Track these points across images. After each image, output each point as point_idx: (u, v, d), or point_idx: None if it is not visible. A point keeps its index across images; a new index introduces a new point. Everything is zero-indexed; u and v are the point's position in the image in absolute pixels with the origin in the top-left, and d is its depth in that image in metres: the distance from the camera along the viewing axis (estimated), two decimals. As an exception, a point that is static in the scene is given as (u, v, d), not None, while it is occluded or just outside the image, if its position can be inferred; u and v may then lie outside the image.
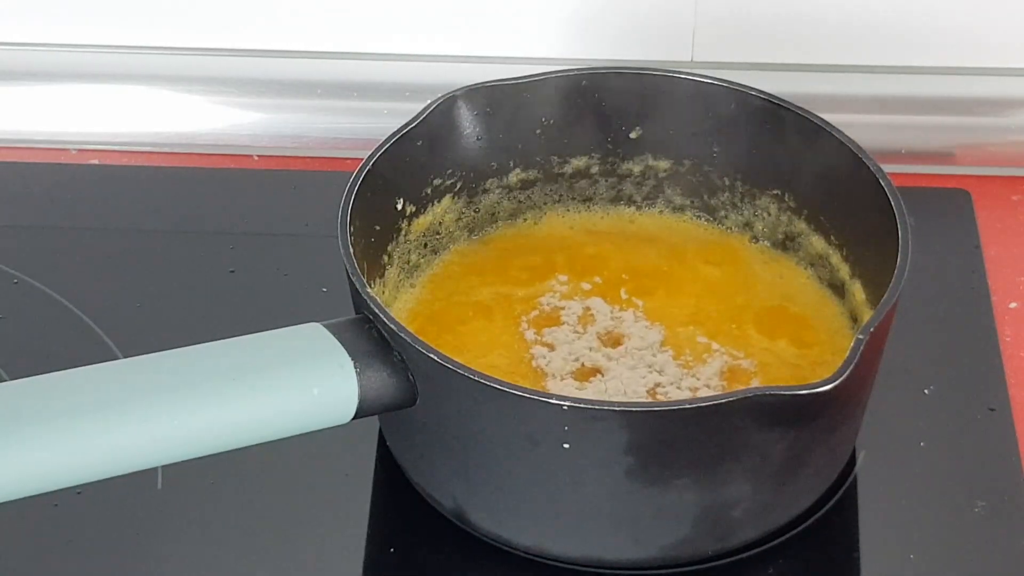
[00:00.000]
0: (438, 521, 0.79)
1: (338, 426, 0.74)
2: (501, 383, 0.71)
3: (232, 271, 0.94)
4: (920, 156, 1.00)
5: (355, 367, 0.73)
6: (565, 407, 0.70)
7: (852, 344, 0.71)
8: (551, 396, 0.71)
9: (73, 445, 0.69)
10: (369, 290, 0.75)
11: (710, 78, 0.86)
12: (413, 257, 0.86)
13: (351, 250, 0.77)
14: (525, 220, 0.90)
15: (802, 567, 0.79)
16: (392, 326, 0.73)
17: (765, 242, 0.87)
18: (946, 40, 1.02)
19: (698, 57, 1.03)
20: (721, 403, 0.70)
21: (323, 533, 0.80)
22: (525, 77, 0.86)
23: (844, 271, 0.84)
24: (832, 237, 0.84)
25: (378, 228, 0.83)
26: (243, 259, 0.95)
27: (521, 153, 0.88)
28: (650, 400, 0.79)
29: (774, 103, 0.85)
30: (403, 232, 0.85)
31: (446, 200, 0.87)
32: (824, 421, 0.74)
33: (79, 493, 0.76)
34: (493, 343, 0.82)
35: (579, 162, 0.89)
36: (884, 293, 0.75)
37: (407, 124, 0.83)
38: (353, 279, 0.76)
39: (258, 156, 1.03)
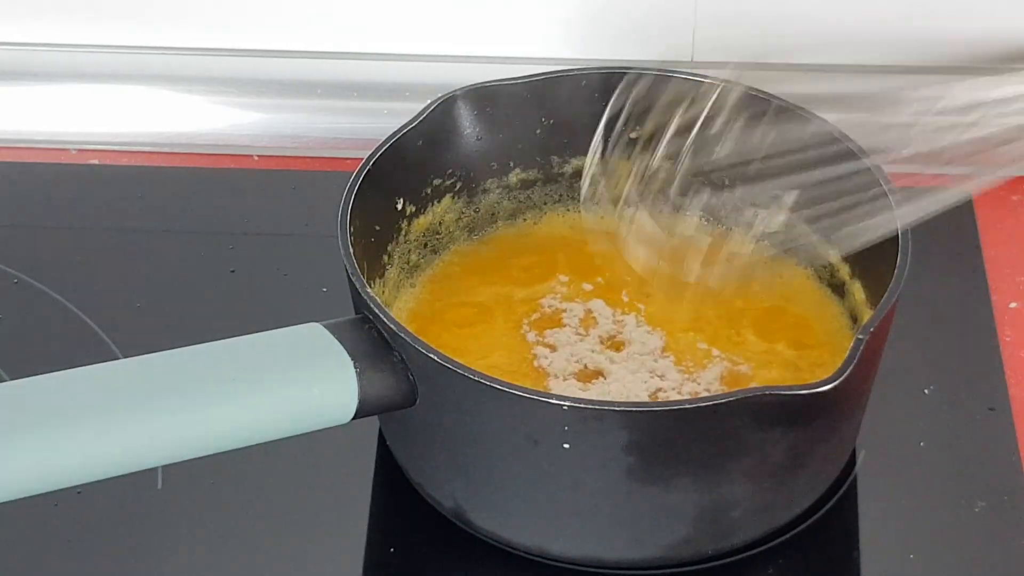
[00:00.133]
0: (438, 521, 0.79)
1: (338, 426, 0.74)
2: (501, 383, 0.71)
3: (232, 271, 0.94)
4: (920, 156, 1.00)
5: (355, 367, 0.72)
6: (565, 407, 0.70)
7: (852, 344, 0.71)
8: (551, 396, 0.71)
9: (73, 445, 0.68)
10: (369, 290, 0.75)
11: (710, 78, 0.86)
12: (413, 257, 0.86)
13: (351, 250, 0.77)
14: (525, 220, 0.90)
15: (802, 567, 0.79)
16: (392, 326, 0.73)
17: (765, 242, 0.87)
18: (945, 40, 1.02)
19: (698, 57, 1.03)
20: (721, 403, 0.70)
21: (323, 533, 0.80)
22: (525, 77, 0.86)
23: (844, 271, 0.84)
24: (832, 237, 0.84)
25: (378, 228, 0.83)
26: (243, 259, 0.95)
27: (521, 153, 0.88)
28: (650, 400, 0.79)
29: (774, 103, 0.85)
30: (403, 232, 0.85)
31: (446, 200, 0.87)
32: (824, 421, 0.74)
33: (79, 493, 0.76)
34: (494, 344, 0.82)
35: (579, 162, 0.89)
36: (884, 293, 0.75)
37: (407, 124, 0.83)
38: (353, 279, 0.76)
39: (258, 156, 1.03)
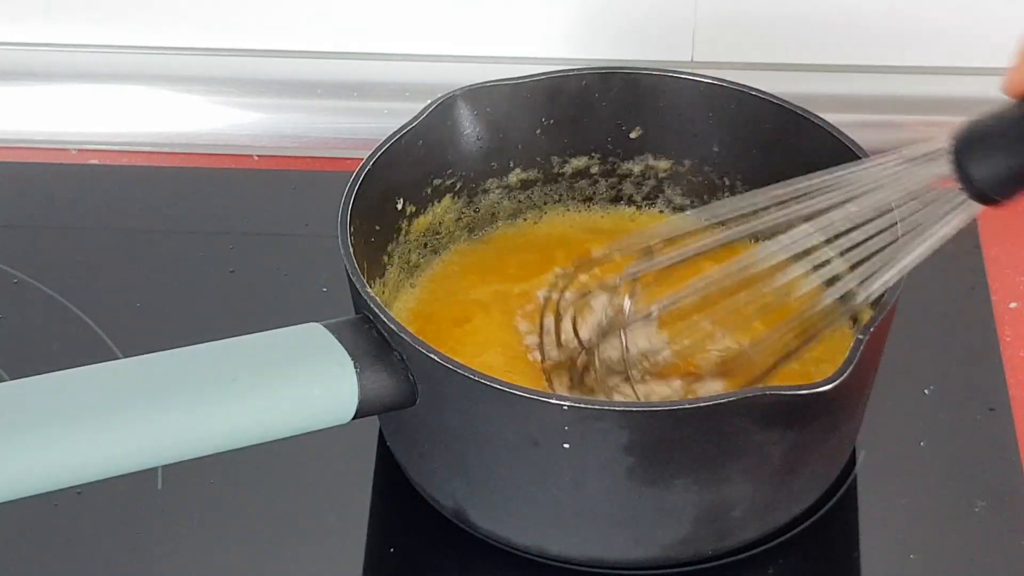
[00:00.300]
0: (438, 521, 0.79)
1: (338, 426, 0.73)
2: (501, 383, 0.71)
3: (232, 271, 0.94)
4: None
5: (355, 367, 0.72)
6: (565, 407, 0.70)
7: (852, 344, 0.71)
8: (551, 396, 0.71)
9: (73, 445, 0.68)
10: (369, 290, 0.75)
11: (710, 78, 0.86)
12: (413, 257, 0.86)
13: (351, 250, 0.77)
14: (525, 220, 0.90)
15: (802, 567, 0.79)
16: (392, 326, 0.73)
17: (766, 242, 0.87)
18: (946, 40, 1.02)
19: (698, 57, 1.03)
20: (721, 403, 0.70)
21: (323, 533, 0.80)
22: (525, 77, 0.86)
23: (844, 271, 0.84)
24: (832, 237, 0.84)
25: (378, 228, 0.83)
26: (243, 259, 0.95)
27: (521, 153, 0.88)
28: (649, 401, 0.79)
29: (774, 103, 0.85)
30: (403, 232, 0.85)
31: (446, 200, 0.87)
32: (824, 421, 0.74)
33: (79, 493, 0.76)
34: (490, 341, 0.82)
35: (579, 162, 0.89)
36: (884, 293, 0.75)
37: (407, 124, 0.83)
38: (353, 279, 0.76)
39: (258, 156, 1.03)
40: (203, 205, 0.99)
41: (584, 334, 0.80)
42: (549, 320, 0.80)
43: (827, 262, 0.76)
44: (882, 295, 0.73)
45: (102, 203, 0.99)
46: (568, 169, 0.89)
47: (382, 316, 0.73)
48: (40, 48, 1.07)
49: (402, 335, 0.73)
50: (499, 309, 0.84)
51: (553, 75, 0.87)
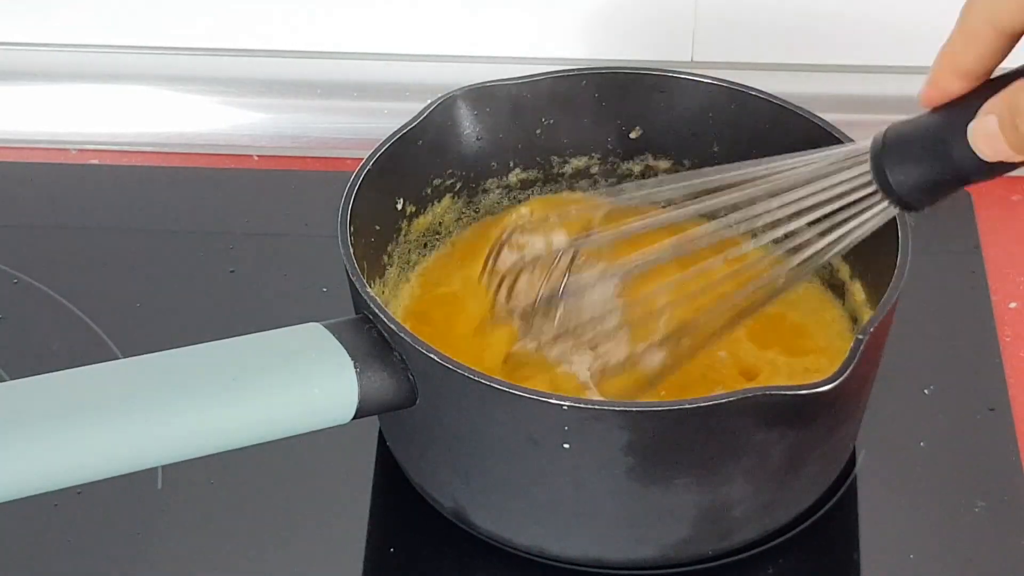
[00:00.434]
0: (438, 521, 0.79)
1: (338, 426, 0.74)
2: (501, 383, 0.71)
3: (232, 271, 0.94)
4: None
5: (355, 367, 0.72)
6: (565, 407, 0.70)
7: (852, 344, 0.71)
8: (551, 396, 0.71)
9: (73, 445, 0.68)
10: (369, 290, 0.75)
11: (710, 78, 0.86)
12: (413, 257, 0.86)
13: (351, 250, 0.77)
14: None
15: (802, 567, 0.79)
16: (392, 326, 0.73)
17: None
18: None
19: (698, 57, 1.03)
20: (721, 403, 0.70)
21: (323, 533, 0.80)
22: (525, 77, 0.86)
23: (844, 271, 0.84)
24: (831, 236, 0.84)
25: (378, 228, 0.83)
26: (243, 259, 0.95)
27: (521, 153, 0.88)
28: (647, 401, 0.79)
29: (774, 103, 0.85)
30: (403, 232, 0.85)
31: (446, 200, 0.87)
32: (824, 421, 0.74)
33: (79, 493, 0.76)
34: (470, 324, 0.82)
35: (579, 162, 0.89)
36: (884, 293, 0.75)
37: (407, 124, 0.83)
38: (353, 279, 0.76)
39: (258, 156, 1.04)
40: (203, 205, 0.99)
41: (531, 292, 0.79)
42: (502, 268, 0.80)
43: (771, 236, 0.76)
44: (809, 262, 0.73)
45: (102, 203, 0.99)
46: (568, 169, 0.89)
47: (382, 316, 0.73)
48: (40, 48, 1.07)
49: (402, 335, 0.73)
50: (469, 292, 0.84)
51: (553, 75, 0.87)
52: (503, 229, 0.82)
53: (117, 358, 0.86)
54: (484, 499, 0.77)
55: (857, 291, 0.83)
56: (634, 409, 0.71)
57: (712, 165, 0.88)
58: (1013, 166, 0.67)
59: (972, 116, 0.65)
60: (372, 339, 0.74)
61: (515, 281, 0.79)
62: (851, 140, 0.82)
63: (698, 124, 0.87)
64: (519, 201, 0.89)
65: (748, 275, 0.75)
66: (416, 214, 0.86)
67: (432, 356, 0.72)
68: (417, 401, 0.74)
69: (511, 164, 0.88)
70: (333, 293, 0.87)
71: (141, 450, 0.70)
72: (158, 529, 0.80)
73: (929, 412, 0.85)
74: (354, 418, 0.73)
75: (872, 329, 0.72)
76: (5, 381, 0.73)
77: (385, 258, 0.84)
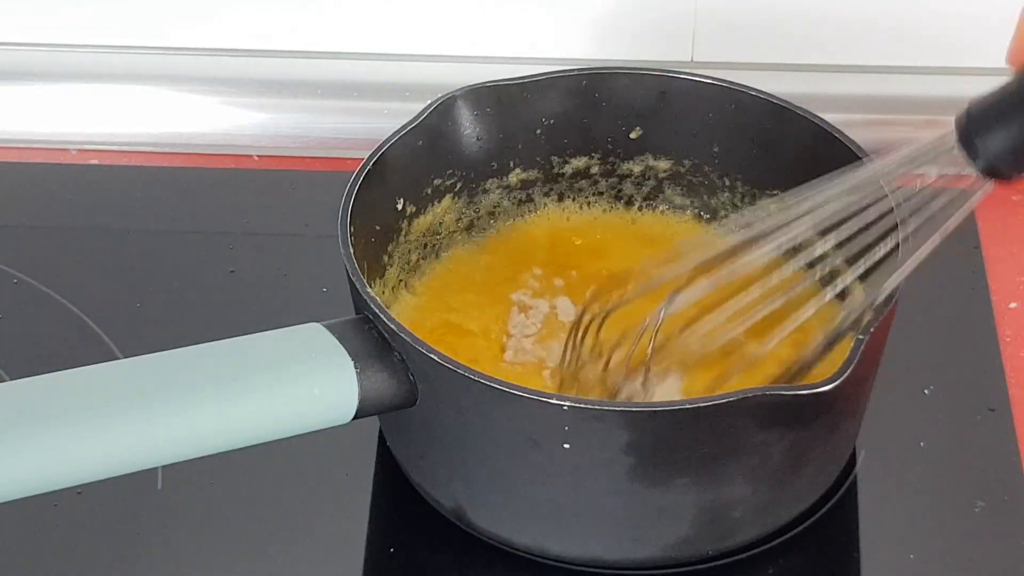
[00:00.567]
0: (438, 521, 0.79)
1: (338, 426, 0.73)
2: (501, 383, 0.71)
3: (232, 271, 0.94)
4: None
5: (355, 367, 0.72)
6: (565, 407, 0.70)
7: (852, 344, 0.71)
8: (551, 396, 0.71)
9: (73, 445, 0.68)
10: (369, 290, 0.75)
11: (710, 78, 0.86)
12: (413, 257, 0.86)
13: (351, 250, 0.77)
14: (524, 219, 0.90)
15: (802, 567, 0.79)
16: (392, 326, 0.73)
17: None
18: (945, 40, 1.02)
19: (698, 57, 1.03)
20: (721, 403, 0.70)
21: (323, 533, 0.80)
22: (525, 77, 0.86)
23: (844, 271, 0.84)
24: (843, 252, 0.84)
25: (378, 228, 0.83)
26: (243, 259, 0.95)
27: (521, 153, 0.88)
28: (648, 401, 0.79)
29: (774, 103, 0.85)
30: (403, 232, 0.85)
31: (446, 200, 0.87)
32: (824, 421, 0.74)
33: (79, 493, 0.76)
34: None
35: (579, 162, 0.89)
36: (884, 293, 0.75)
37: (407, 124, 0.83)
38: (353, 279, 0.76)
39: (258, 156, 1.03)
40: (203, 205, 0.99)
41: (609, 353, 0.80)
42: (581, 338, 0.80)
43: (838, 275, 0.76)
44: (890, 295, 0.73)
45: (102, 203, 0.99)
46: (568, 169, 0.89)
47: (382, 316, 0.73)
48: (40, 48, 1.06)
49: (402, 335, 0.73)
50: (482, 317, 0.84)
51: (553, 75, 0.87)
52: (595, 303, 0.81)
53: (117, 358, 0.86)
54: (484, 499, 0.77)
55: (857, 291, 0.83)
56: (634, 409, 0.71)
57: (712, 165, 0.88)
58: None
59: None
60: (372, 339, 0.74)
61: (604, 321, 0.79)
62: (851, 140, 0.82)
63: (698, 124, 0.87)
64: (519, 201, 0.89)
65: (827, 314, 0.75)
66: (416, 214, 0.86)
67: (432, 356, 0.72)
68: (417, 401, 0.74)
69: (511, 164, 0.88)
70: (333, 293, 0.87)
71: (141, 450, 0.70)
72: (158, 529, 0.80)
73: (929, 412, 0.85)
74: (354, 418, 0.73)
75: (872, 329, 0.72)
76: (5, 381, 0.73)
77: (385, 258, 0.84)
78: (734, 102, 0.86)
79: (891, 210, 0.74)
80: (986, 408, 0.85)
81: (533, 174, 0.89)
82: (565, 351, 0.80)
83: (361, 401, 0.73)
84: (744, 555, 0.78)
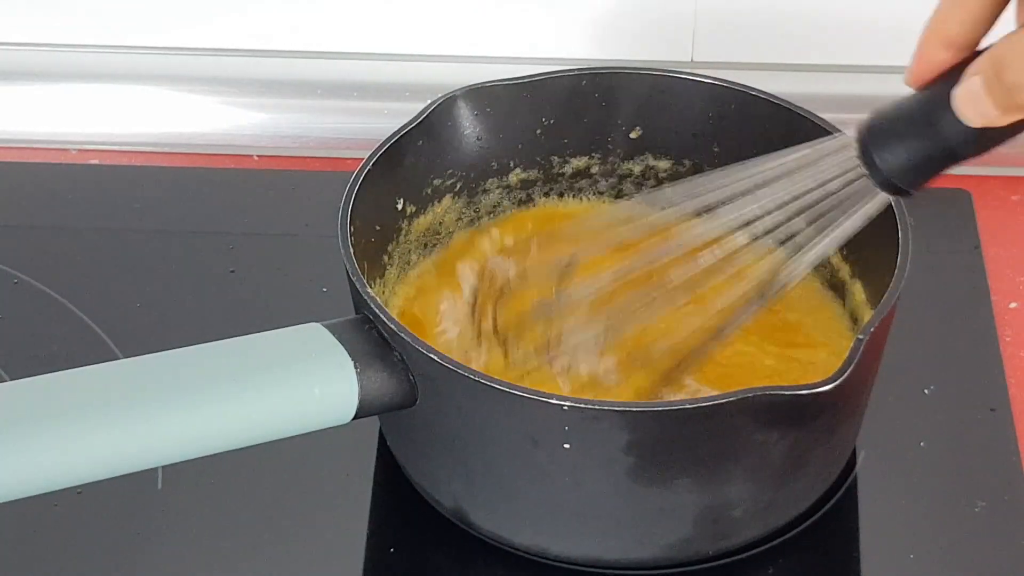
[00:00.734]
0: (438, 521, 0.79)
1: (338, 426, 0.74)
2: (501, 383, 0.71)
3: (232, 271, 0.94)
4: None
5: (355, 367, 0.72)
6: (565, 407, 0.70)
7: (852, 344, 0.71)
8: (551, 396, 0.71)
9: (73, 445, 0.68)
10: (369, 290, 0.75)
11: (710, 78, 0.86)
12: (413, 257, 0.86)
13: (351, 250, 0.77)
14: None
15: (802, 567, 0.79)
16: (392, 326, 0.73)
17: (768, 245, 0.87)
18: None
19: (698, 57, 1.03)
20: (721, 403, 0.70)
21: (323, 533, 0.80)
22: (525, 77, 0.86)
23: (844, 271, 0.84)
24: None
25: (378, 228, 0.83)
26: (243, 259, 0.95)
27: (521, 153, 0.88)
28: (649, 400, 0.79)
29: (774, 103, 0.85)
30: (403, 232, 0.85)
31: (446, 200, 0.87)
32: (824, 421, 0.74)
33: (79, 493, 0.76)
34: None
35: (579, 162, 0.89)
36: (884, 293, 0.75)
37: (407, 124, 0.83)
38: (353, 279, 0.76)
39: (258, 156, 1.04)
40: (203, 205, 0.99)
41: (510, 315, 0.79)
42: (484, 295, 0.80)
43: (755, 242, 0.75)
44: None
45: (102, 203, 0.99)
46: (568, 169, 0.89)
47: (382, 316, 0.73)
48: (40, 48, 1.07)
49: (402, 335, 0.73)
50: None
51: (553, 75, 0.87)
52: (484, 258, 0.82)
53: (117, 358, 0.86)
54: (484, 499, 0.77)
55: (857, 291, 0.83)
56: (634, 409, 0.71)
57: (713, 165, 0.88)
58: (1003, 137, 0.65)
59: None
60: (372, 339, 0.74)
61: (499, 303, 0.79)
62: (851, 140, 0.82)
63: (698, 124, 0.87)
64: (520, 201, 0.89)
65: (743, 276, 0.75)
66: (416, 214, 0.86)
67: (432, 356, 0.72)
68: (417, 401, 0.74)
69: (511, 164, 0.88)
70: (333, 293, 0.87)
71: (141, 450, 0.70)
72: (158, 529, 0.80)
73: (929, 412, 0.85)
74: (354, 418, 0.73)
75: (872, 329, 0.72)
76: (5, 381, 0.73)
77: (385, 258, 0.84)
78: (734, 102, 0.86)
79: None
80: (986, 408, 0.85)
81: (533, 174, 0.89)
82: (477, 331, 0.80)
83: (361, 401, 0.73)
84: (744, 555, 0.78)
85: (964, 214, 0.97)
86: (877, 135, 0.67)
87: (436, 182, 0.86)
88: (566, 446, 0.71)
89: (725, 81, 0.86)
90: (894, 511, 0.81)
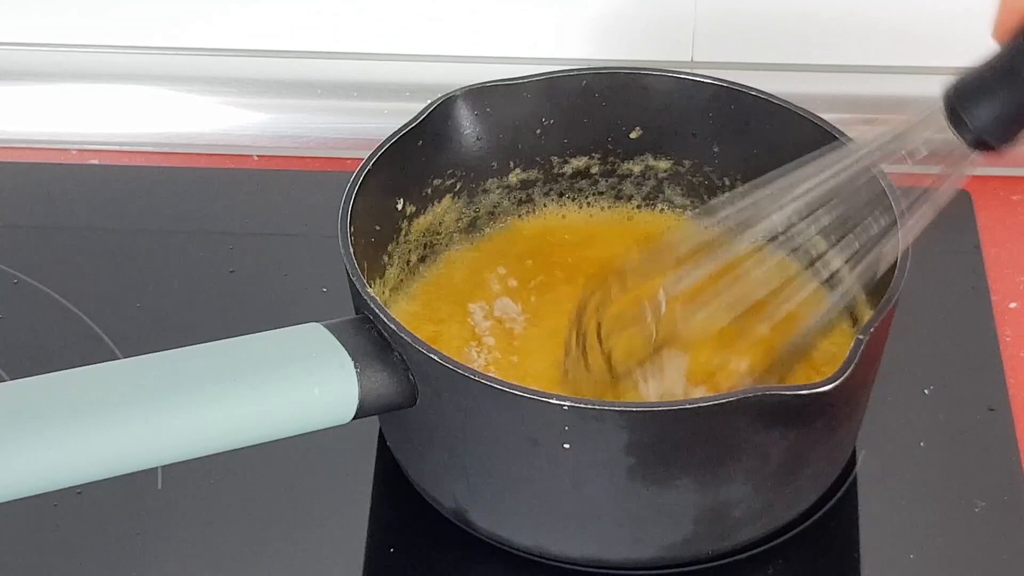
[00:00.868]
0: (438, 521, 0.79)
1: (338, 426, 0.73)
2: (501, 383, 0.71)
3: (232, 271, 0.94)
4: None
5: (355, 367, 0.72)
6: (565, 407, 0.70)
7: (852, 344, 0.71)
8: (551, 396, 0.71)
9: (73, 445, 0.68)
10: (369, 290, 0.75)
11: (710, 78, 0.86)
12: (413, 257, 0.86)
13: (351, 250, 0.77)
14: (522, 218, 0.90)
15: (802, 567, 0.79)
16: (392, 326, 0.73)
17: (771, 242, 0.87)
18: (945, 40, 1.02)
19: (698, 57, 1.03)
20: (721, 403, 0.70)
21: (323, 533, 0.80)
22: (525, 77, 0.86)
23: (844, 271, 0.84)
24: (832, 237, 0.84)
25: (378, 228, 0.83)
26: (243, 259, 0.95)
27: (521, 153, 0.88)
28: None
29: (774, 103, 0.85)
30: (403, 232, 0.85)
31: (446, 200, 0.87)
32: (824, 421, 0.74)
33: (79, 493, 0.76)
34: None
35: (579, 162, 0.89)
36: (884, 293, 0.75)
37: (407, 124, 0.83)
38: (353, 279, 0.76)
39: (258, 156, 1.04)
40: (203, 205, 0.99)
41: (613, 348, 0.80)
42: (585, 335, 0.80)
43: (826, 257, 0.76)
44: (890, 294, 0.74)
45: (102, 203, 0.99)
46: (568, 169, 0.89)
47: (382, 316, 0.73)
48: (40, 48, 1.06)
49: (402, 335, 0.73)
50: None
51: (553, 75, 0.87)
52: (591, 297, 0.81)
53: (117, 358, 0.86)
54: (484, 499, 0.77)
55: (857, 291, 0.83)
56: (634, 409, 0.71)
57: (713, 165, 0.88)
58: None
59: None
60: (372, 339, 0.74)
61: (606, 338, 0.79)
62: (851, 140, 0.82)
63: (698, 124, 0.87)
64: (519, 201, 0.89)
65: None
66: (416, 214, 0.86)
67: (432, 356, 0.72)
68: (417, 401, 0.74)
69: (511, 164, 0.88)
70: (333, 293, 0.87)
71: (141, 450, 0.70)
72: (158, 529, 0.80)
73: (929, 412, 0.85)
74: (354, 418, 0.73)
75: (872, 329, 0.72)
76: (5, 381, 0.73)
77: (385, 258, 0.84)
78: (734, 102, 0.86)
79: (883, 192, 0.75)
80: (986, 408, 0.85)
81: (533, 174, 0.89)
82: (567, 350, 0.80)
83: (361, 401, 0.73)
84: (744, 555, 0.78)
85: (964, 214, 0.97)
86: (964, 94, 0.68)
87: (436, 182, 0.86)
88: (566, 446, 0.71)
89: (725, 81, 0.86)
90: (894, 511, 0.81)
